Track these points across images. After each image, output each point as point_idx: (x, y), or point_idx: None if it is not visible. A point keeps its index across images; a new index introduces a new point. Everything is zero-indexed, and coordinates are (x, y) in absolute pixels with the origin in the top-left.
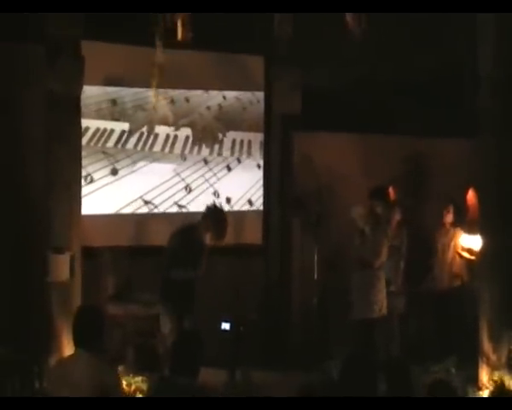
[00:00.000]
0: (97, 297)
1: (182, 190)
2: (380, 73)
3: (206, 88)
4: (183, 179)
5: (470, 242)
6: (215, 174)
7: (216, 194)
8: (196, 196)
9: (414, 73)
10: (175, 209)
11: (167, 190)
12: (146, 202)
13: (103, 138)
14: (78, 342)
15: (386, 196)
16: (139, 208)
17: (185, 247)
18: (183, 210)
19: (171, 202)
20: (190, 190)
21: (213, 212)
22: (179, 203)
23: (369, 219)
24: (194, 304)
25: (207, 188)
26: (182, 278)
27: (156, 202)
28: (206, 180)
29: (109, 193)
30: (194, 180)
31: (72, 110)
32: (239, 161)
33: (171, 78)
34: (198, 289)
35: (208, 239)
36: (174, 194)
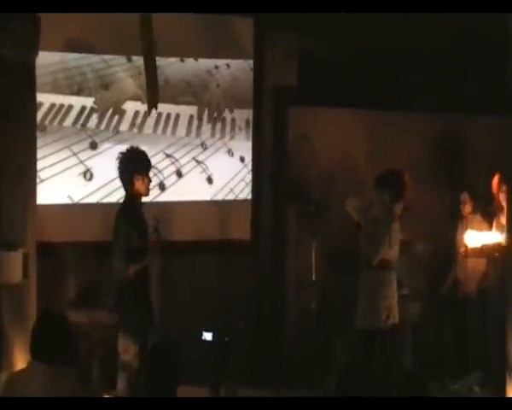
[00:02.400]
0: (56, 302)
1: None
2: (388, 39)
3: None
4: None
5: (478, 239)
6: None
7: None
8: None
9: (428, 39)
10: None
11: None
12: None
13: (59, 116)
14: (35, 354)
15: (395, 184)
16: (106, 197)
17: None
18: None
19: None
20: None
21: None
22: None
23: (364, 212)
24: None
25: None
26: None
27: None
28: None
29: (72, 179)
30: (166, 167)
31: (26, 81)
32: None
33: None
34: (174, 292)
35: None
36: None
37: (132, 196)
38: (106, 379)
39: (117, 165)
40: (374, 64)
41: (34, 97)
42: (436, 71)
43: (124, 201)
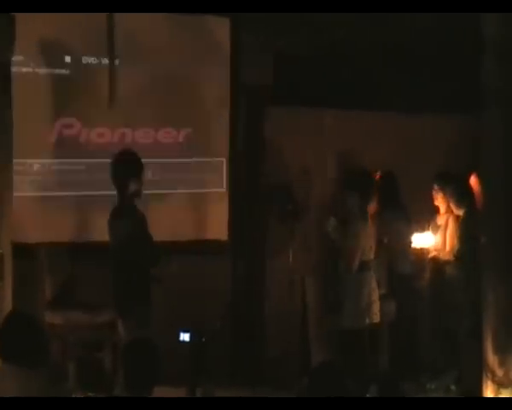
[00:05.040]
0: (32, 304)
1: None
2: (364, 37)
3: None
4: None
5: (422, 240)
6: None
7: None
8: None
9: (403, 37)
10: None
11: None
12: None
13: None
14: (4, 356)
15: (363, 185)
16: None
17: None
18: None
19: None
20: None
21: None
22: None
23: (342, 229)
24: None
25: None
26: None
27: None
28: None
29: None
30: None
31: (2, 80)
32: None
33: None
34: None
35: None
36: None
37: (125, 198)
38: (82, 380)
39: (110, 167)
40: (350, 63)
41: (10, 97)
42: (411, 70)
43: (117, 202)
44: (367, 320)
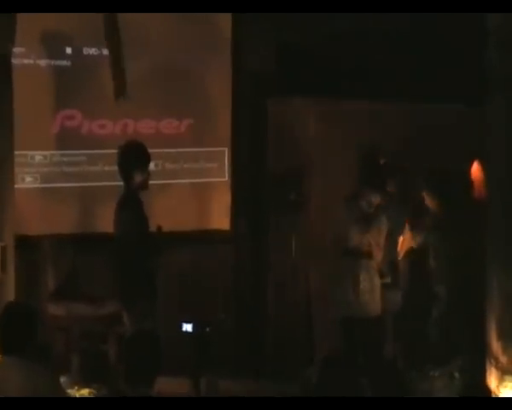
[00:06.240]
0: (35, 295)
1: None
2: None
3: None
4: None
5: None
6: None
7: None
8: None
9: (406, 26)
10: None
11: None
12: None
13: None
14: (6, 348)
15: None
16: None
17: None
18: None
19: None
20: None
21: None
22: None
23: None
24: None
25: None
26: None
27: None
28: None
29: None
30: None
31: (2, 72)
32: None
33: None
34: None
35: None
36: None
37: (131, 190)
38: (85, 372)
39: (117, 158)
40: (353, 53)
41: (11, 89)
42: (411, 59)
43: (123, 193)
44: (356, 310)
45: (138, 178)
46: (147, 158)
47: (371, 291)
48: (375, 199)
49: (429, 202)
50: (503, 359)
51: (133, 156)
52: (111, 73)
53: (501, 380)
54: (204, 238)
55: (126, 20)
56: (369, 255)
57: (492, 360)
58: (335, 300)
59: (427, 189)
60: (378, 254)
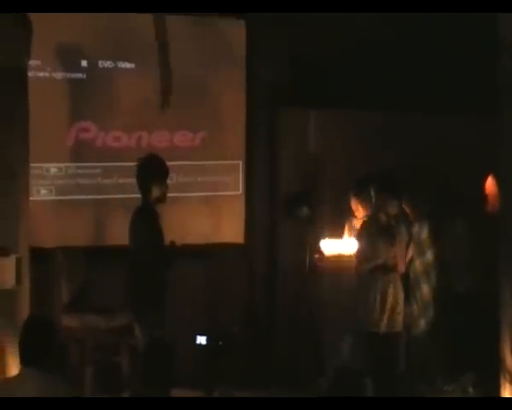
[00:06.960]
0: (49, 307)
1: None
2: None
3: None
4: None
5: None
6: None
7: None
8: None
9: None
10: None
11: None
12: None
13: None
14: (25, 361)
15: (378, 184)
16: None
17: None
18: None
19: None
20: None
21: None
22: None
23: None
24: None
25: None
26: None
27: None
28: None
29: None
30: None
31: (19, 85)
32: None
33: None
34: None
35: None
36: None
37: (149, 202)
38: (100, 384)
39: (135, 170)
40: (366, 64)
41: (27, 102)
42: (424, 72)
43: (140, 205)
44: (380, 326)
45: (156, 191)
46: (165, 172)
47: (397, 305)
48: (392, 209)
49: (440, 213)
50: None
51: (152, 170)
52: (160, 87)
53: None
54: (218, 252)
55: (141, 33)
56: (395, 268)
57: (506, 375)
58: (361, 315)
59: (438, 200)
60: (402, 267)
